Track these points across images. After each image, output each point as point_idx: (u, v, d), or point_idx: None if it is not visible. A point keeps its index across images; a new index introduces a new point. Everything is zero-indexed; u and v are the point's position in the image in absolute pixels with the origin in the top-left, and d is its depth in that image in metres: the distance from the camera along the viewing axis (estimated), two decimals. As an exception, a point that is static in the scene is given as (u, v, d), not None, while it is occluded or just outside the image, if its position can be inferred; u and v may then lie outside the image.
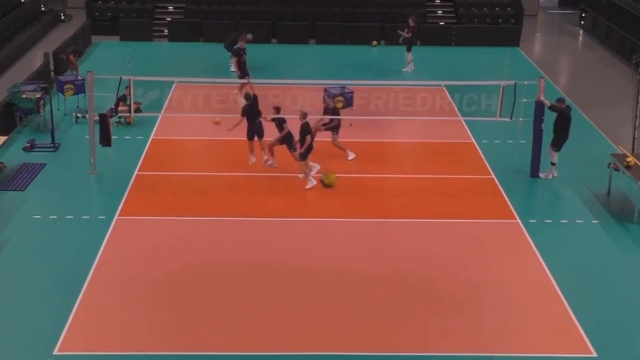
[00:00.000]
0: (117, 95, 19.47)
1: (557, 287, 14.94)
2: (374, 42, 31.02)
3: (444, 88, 25.24)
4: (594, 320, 13.98)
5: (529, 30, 33.89)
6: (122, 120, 22.08)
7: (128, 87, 19.70)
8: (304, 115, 18.58)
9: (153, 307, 14.16)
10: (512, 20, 33.36)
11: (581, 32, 35.10)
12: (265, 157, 19.49)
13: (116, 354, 12.90)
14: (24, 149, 20.57)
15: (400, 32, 27.86)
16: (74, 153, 20.45)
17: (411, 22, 27.97)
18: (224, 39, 26.41)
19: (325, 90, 22.56)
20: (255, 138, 19.44)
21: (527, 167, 19.64)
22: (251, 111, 19.27)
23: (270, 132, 19.47)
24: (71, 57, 25.59)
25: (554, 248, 16.41)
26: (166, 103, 23.83)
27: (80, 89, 23.05)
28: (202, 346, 13.11)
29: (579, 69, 30.67)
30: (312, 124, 18.91)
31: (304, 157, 18.61)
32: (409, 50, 28.02)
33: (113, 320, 13.72)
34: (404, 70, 27.97)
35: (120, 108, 21.67)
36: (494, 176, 19.69)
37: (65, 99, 23.13)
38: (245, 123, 19.31)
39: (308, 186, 18.67)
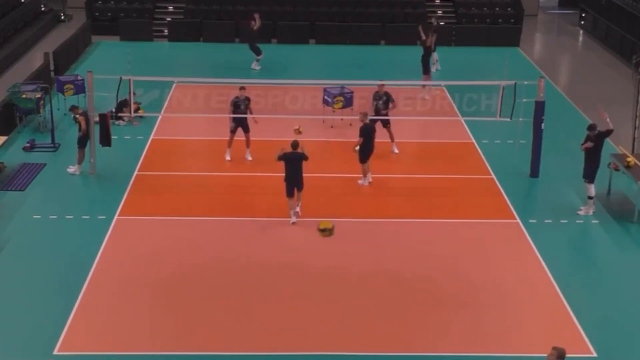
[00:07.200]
0: (117, 95, 19.44)
1: (557, 287, 14.95)
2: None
3: (444, 88, 25.23)
4: (594, 320, 13.99)
5: (529, 30, 33.85)
6: (129, 121, 22.03)
7: (129, 94, 19.57)
8: (364, 115, 18.61)
9: (153, 307, 14.16)
10: (512, 20, 33.32)
11: (581, 32, 35.07)
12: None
13: (116, 354, 12.91)
14: (24, 149, 20.57)
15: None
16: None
17: (434, 22, 28.13)
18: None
19: (325, 90, 22.56)
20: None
21: (527, 167, 19.63)
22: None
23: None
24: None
25: (554, 248, 16.41)
26: (166, 103, 23.83)
27: (80, 89, 23.05)
28: (202, 346, 13.11)
29: (579, 69, 30.65)
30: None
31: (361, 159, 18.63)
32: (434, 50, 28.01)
33: (113, 321, 13.73)
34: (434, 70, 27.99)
35: (121, 114, 21.66)
36: (494, 176, 19.68)
37: (65, 99, 23.11)
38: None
39: (360, 182, 18.78)
